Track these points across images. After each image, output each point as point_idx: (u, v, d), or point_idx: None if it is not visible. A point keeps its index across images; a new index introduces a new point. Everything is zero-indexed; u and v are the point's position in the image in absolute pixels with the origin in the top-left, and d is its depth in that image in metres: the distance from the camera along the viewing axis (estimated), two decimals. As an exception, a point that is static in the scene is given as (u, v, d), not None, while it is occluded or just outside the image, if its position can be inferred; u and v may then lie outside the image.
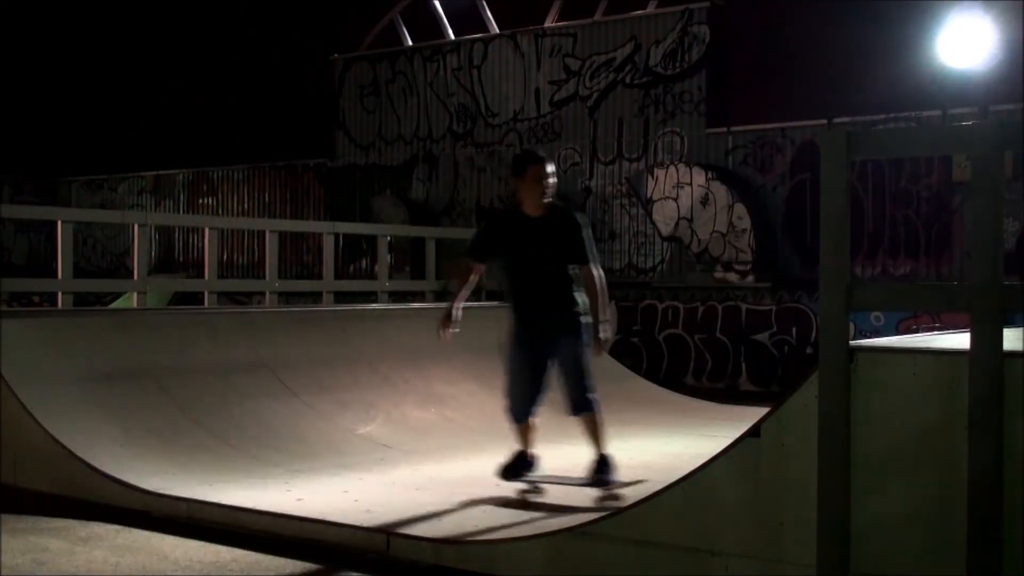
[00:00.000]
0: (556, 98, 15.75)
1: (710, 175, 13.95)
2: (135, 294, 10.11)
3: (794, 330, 13.10)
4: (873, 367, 4.04)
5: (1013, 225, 11.62)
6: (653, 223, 14.50)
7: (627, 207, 14.91)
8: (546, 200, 6.56)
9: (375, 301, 11.86)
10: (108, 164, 21.92)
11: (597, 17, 15.48)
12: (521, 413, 6.68)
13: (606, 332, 6.54)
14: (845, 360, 4.04)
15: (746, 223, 13.59)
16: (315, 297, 11.90)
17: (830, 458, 4.05)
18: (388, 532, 5.52)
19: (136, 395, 7.74)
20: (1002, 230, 3.90)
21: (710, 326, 13.69)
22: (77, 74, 22.96)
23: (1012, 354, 3.79)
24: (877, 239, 12.76)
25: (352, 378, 9.06)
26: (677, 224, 14.19)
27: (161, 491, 6.45)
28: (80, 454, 6.79)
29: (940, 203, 12.46)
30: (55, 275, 9.49)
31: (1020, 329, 4.99)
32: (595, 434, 6.66)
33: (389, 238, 12.99)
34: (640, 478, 6.76)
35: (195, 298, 12.88)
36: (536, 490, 6.61)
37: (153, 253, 19.39)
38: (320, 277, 11.72)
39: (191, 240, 19.75)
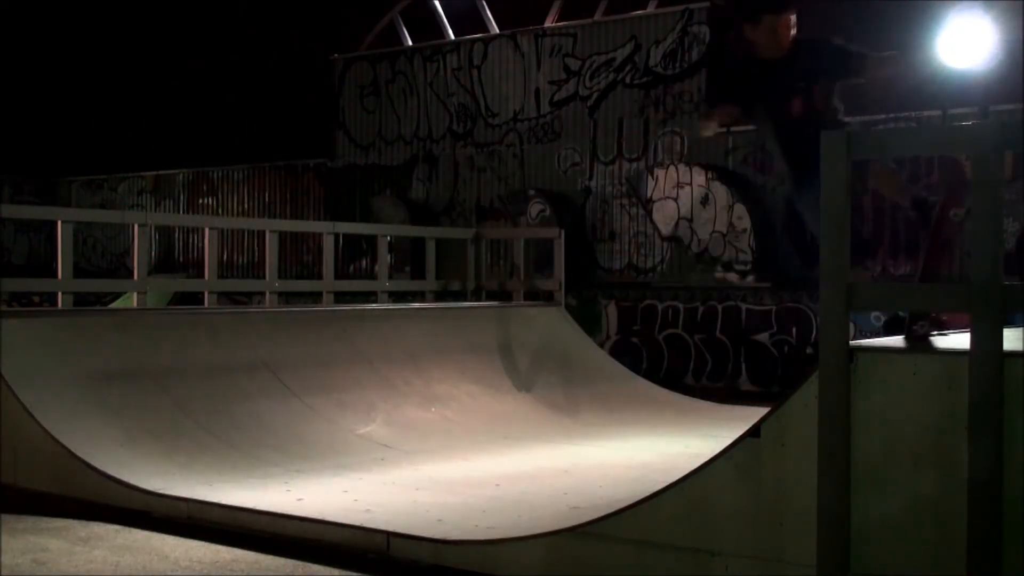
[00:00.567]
0: (556, 98, 15.75)
1: (710, 175, 13.95)
2: (135, 294, 10.10)
3: (794, 330, 13.10)
4: (873, 367, 4.04)
5: (1013, 225, 11.62)
6: (653, 223, 14.50)
7: (627, 207, 14.91)
8: None
9: (375, 301, 11.85)
10: (108, 164, 21.92)
11: (597, 17, 15.49)
12: None
13: None
14: (845, 360, 4.04)
15: (746, 223, 13.60)
16: (315, 297, 11.89)
17: (830, 458, 4.05)
18: (388, 532, 5.52)
19: (136, 395, 7.73)
20: (1002, 230, 3.90)
21: (710, 326, 13.69)
22: (77, 74, 22.97)
23: (1012, 354, 3.79)
24: (877, 239, 12.75)
25: (352, 378, 9.05)
26: (677, 224, 14.20)
27: (161, 491, 6.45)
28: (80, 454, 6.79)
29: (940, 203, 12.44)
30: (55, 275, 9.48)
31: (1020, 329, 4.99)
32: None
33: (389, 238, 12.99)
34: (640, 478, 6.75)
35: (195, 298, 12.87)
36: None
37: (153, 253, 19.39)
38: (320, 277, 11.71)
39: (191, 240, 19.75)
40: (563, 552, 4.93)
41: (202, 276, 10.89)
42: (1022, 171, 11.54)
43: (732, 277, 13.62)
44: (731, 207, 13.68)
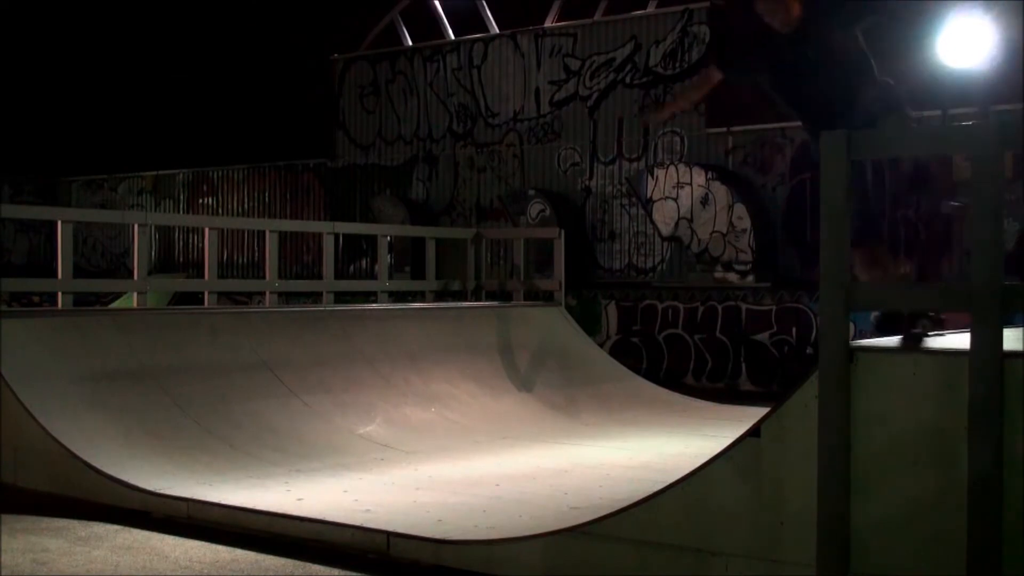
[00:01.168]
0: (556, 98, 15.75)
1: (710, 175, 13.95)
2: (135, 294, 10.10)
3: (794, 330, 13.10)
4: (873, 367, 4.04)
5: (1013, 225, 11.63)
6: (653, 223, 14.50)
7: (627, 207, 14.91)
8: None
9: (375, 301, 11.86)
10: (108, 164, 21.92)
11: (597, 17, 15.49)
12: None
13: None
14: (845, 360, 4.04)
15: (746, 223, 13.60)
16: (315, 297, 11.89)
17: (830, 458, 4.05)
18: (388, 532, 5.52)
19: (136, 395, 7.73)
20: (1002, 230, 3.91)
21: (710, 326, 13.69)
22: (77, 74, 22.97)
23: (1012, 354, 3.79)
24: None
25: (352, 378, 9.05)
26: (677, 224, 14.20)
27: (161, 491, 6.45)
28: (80, 454, 6.79)
29: (940, 203, 12.45)
30: (55, 275, 9.48)
31: (1020, 329, 4.99)
32: None
33: (389, 238, 13.00)
34: (640, 478, 6.75)
35: (195, 298, 12.88)
36: None
37: (153, 253, 19.39)
38: (320, 277, 11.72)
39: (191, 240, 19.76)
40: (563, 552, 4.93)
41: (202, 276, 10.89)
42: (1022, 171, 11.53)
43: (732, 277, 13.62)
44: (731, 207, 13.69)
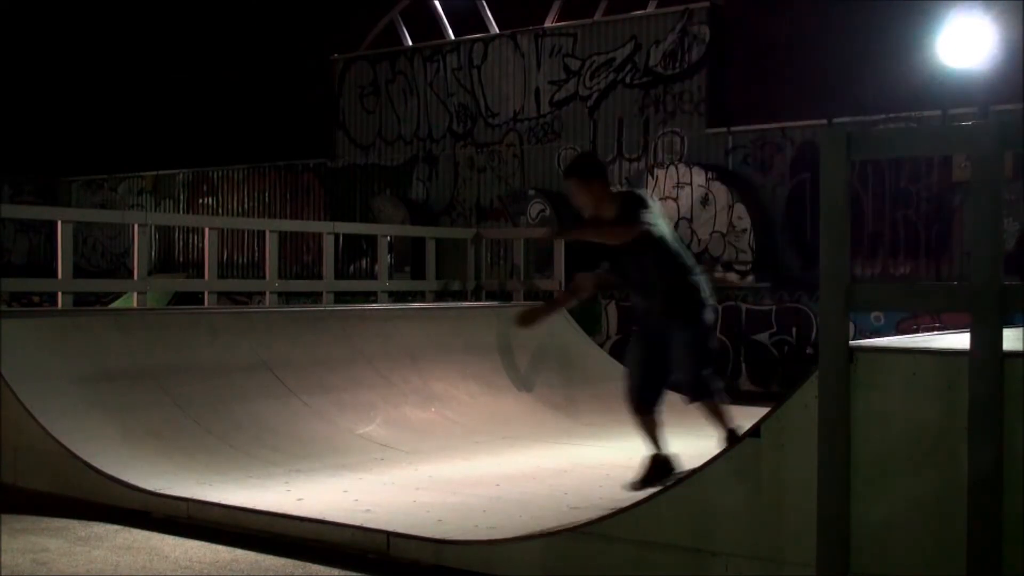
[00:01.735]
0: (556, 98, 15.75)
1: (710, 175, 13.95)
2: (135, 294, 10.11)
3: (794, 330, 13.10)
4: (873, 367, 4.04)
5: (1013, 225, 11.62)
6: (653, 223, 14.49)
7: (627, 207, 14.89)
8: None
9: (375, 301, 11.86)
10: (108, 164, 21.92)
11: (597, 17, 15.49)
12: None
13: None
14: (845, 360, 4.04)
15: (746, 223, 13.60)
16: (315, 297, 11.90)
17: (830, 458, 4.05)
18: (388, 532, 5.52)
19: (136, 395, 7.73)
20: (1002, 230, 3.90)
21: (710, 326, 13.67)
22: (77, 74, 22.97)
23: (1012, 354, 3.79)
24: (877, 239, 12.76)
25: (352, 378, 9.06)
26: (677, 224, 14.19)
27: (161, 491, 6.45)
28: (80, 454, 6.79)
29: (940, 203, 12.47)
30: (55, 275, 9.48)
31: (1020, 329, 4.99)
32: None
33: (389, 238, 13.00)
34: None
35: (195, 298, 12.88)
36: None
37: (153, 253, 19.39)
38: (320, 277, 11.72)
39: (191, 240, 19.76)
40: (563, 552, 4.93)
41: (202, 276, 10.89)
42: (1022, 171, 11.53)
43: (732, 277, 13.62)
44: (731, 207, 13.68)
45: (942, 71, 11.70)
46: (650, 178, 14.47)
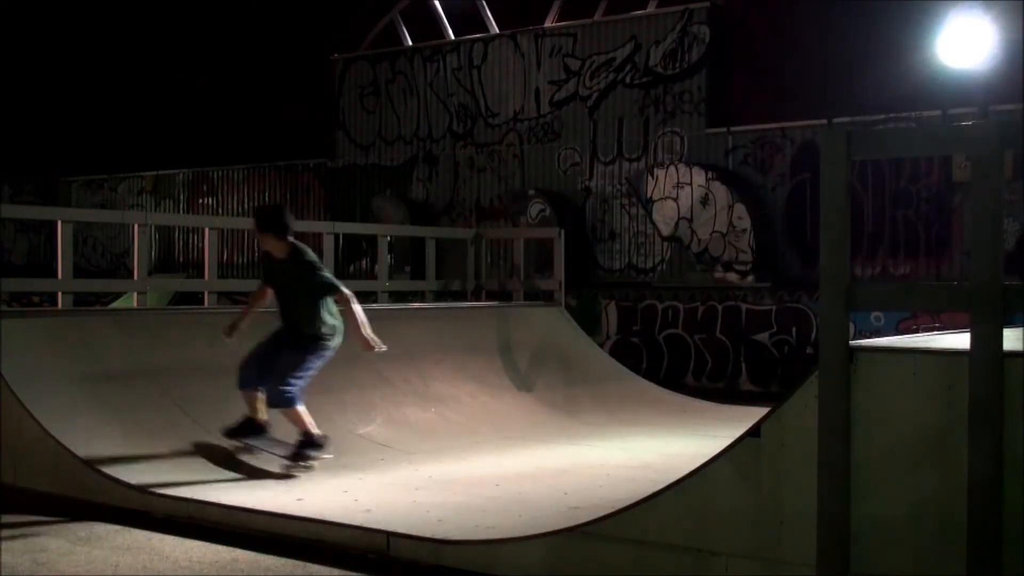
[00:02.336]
0: (556, 98, 15.75)
1: (710, 175, 13.95)
2: (135, 294, 10.10)
3: (794, 330, 13.10)
4: (873, 367, 4.04)
5: (1013, 225, 11.63)
6: (653, 223, 14.50)
7: (627, 207, 14.91)
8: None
9: (375, 301, 11.85)
10: (108, 164, 21.92)
11: (597, 17, 15.49)
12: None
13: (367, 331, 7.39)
14: (845, 360, 4.04)
15: (746, 223, 13.60)
16: (315, 297, 11.86)
17: (830, 458, 4.05)
18: (388, 532, 5.52)
19: (136, 395, 7.73)
20: (1002, 230, 3.90)
21: (710, 326, 13.69)
22: (77, 74, 22.96)
23: (1012, 354, 3.79)
24: (877, 239, 12.77)
25: (352, 378, 9.04)
26: (677, 224, 14.19)
27: (161, 491, 6.45)
28: (80, 453, 6.79)
29: (940, 203, 12.47)
30: (55, 275, 9.48)
31: (1020, 329, 4.99)
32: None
33: (389, 238, 12.99)
34: (640, 478, 6.75)
35: (195, 298, 12.87)
36: (247, 449, 7.33)
37: (153, 253, 19.39)
38: (320, 277, 11.68)
39: (191, 240, 19.76)
40: (563, 552, 4.93)
41: (202, 276, 10.89)
42: (1022, 171, 11.53)
43: (732, 277, 13.62)
44: (731, 207, 13.68)
45: (942, 71, 11.70)
46: (650, 178, 14.47)
